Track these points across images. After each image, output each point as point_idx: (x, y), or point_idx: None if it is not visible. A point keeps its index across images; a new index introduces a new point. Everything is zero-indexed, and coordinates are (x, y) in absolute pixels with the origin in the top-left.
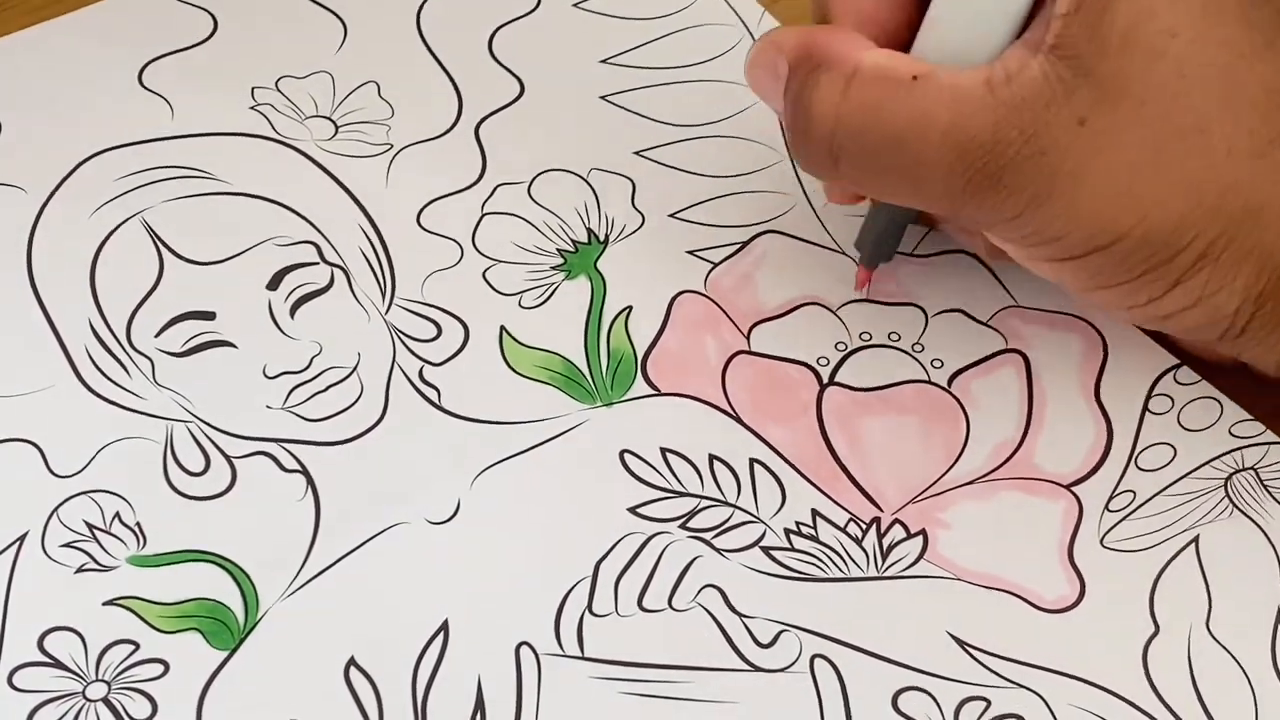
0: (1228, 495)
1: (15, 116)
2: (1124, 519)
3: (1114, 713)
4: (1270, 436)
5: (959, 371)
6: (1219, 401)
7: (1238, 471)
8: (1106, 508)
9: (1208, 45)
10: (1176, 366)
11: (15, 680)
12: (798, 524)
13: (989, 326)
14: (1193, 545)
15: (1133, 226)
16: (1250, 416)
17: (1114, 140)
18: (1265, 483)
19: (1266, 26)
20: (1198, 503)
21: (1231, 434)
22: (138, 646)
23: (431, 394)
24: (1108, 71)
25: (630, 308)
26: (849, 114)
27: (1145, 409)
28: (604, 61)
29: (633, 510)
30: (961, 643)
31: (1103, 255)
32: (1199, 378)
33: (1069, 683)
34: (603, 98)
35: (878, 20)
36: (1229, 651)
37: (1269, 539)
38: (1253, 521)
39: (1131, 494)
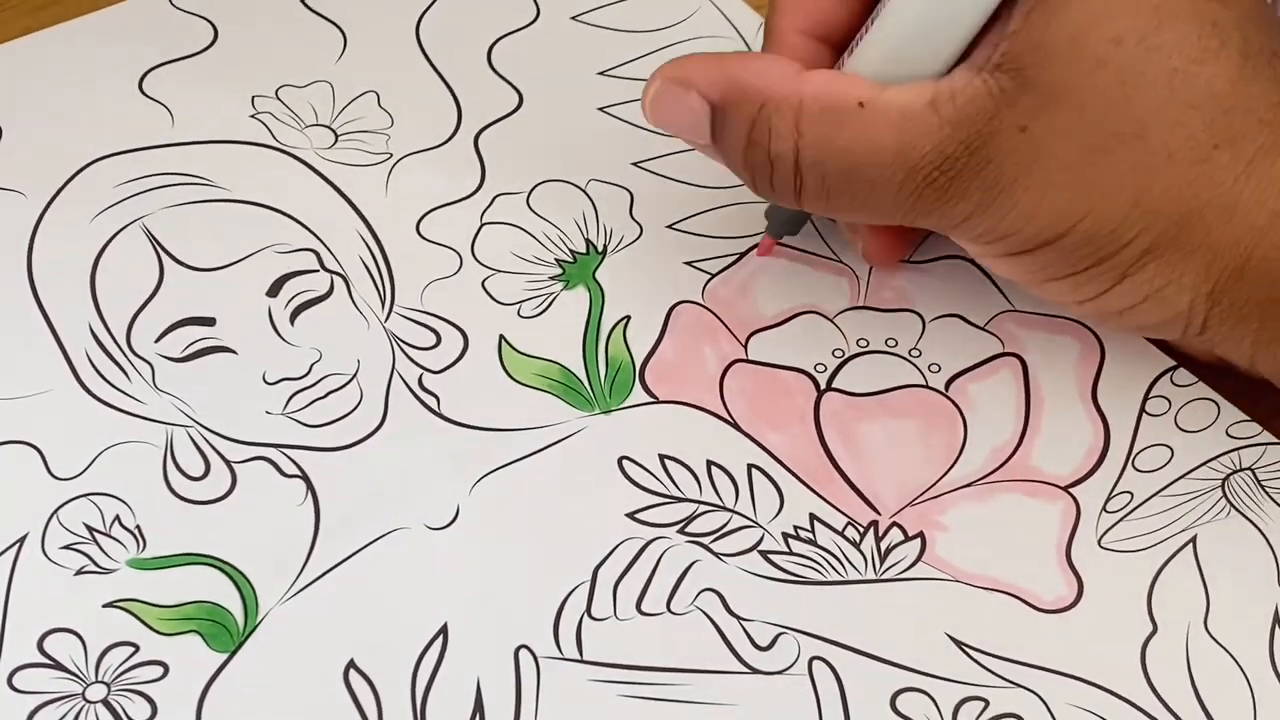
0: (1225, 496)
1: (16, 122)
2: (1121, 520)
3: (1113, 712)
4: (1267, 437)
5: (956, 376)
6: (1216, 403)
7: (1235, 472)
8: (1104, 509)
9: (1153, 51)
10: (1173, 368)
11: (15, 681)
12: (795, 528)
13: (986, 331)
14: (1190, 546)
15: (1076, 223)
16: (1247, 417)
17: (1054, 144)
18: (1263, 483)
19: (1226, 27)
20: (1195, 503)
21: (1229, 435)
22: (137, 648)
23: (431, 401)
24: (1049, 81)
25: (628, 317)
26: (805, 150)
27: (1142, 410)
28: (602, 73)
29: (631, 515)
30: (960, 643)
31: (1050, 249)
32: (1196, 379)
33: (1067, 682)
34: (601, 109)
35: (822, 16)
36: (1227, 651)
37: (1267, 540)
38: (1250, 522)
39: (1129, 495)
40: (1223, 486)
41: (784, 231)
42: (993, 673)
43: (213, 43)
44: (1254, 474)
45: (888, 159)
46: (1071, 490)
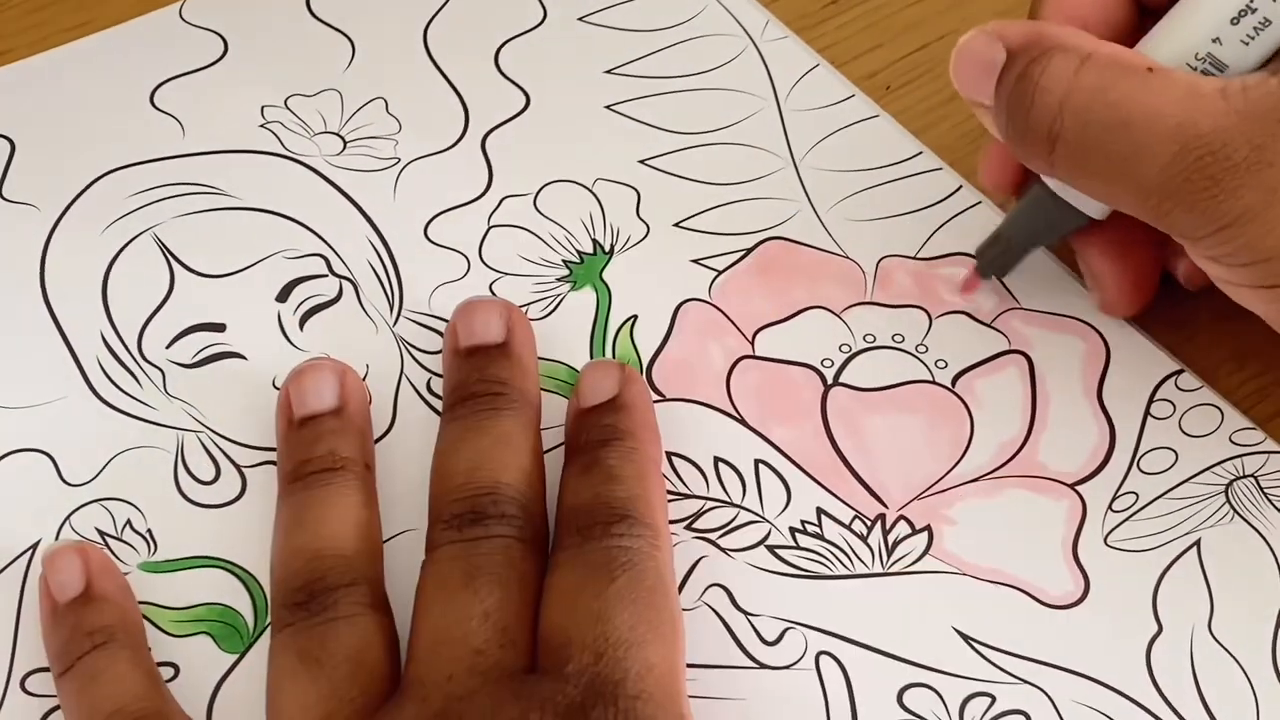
0: (1229, 501)
1: (29, 137)
2: (1127, 519)
3: (1118, 710)
4: (1271, 445)
5: (963, 372)
6: (1220, 409)
7: (1238, 479)
8: (1110, 508)
9: None
10: (1178, 372)
11: (28, 685)
12: (803, 522)
13: (992, 328)
14: (1194, 549)
15: None
16: (1251, 424)
17: None
18: (1265, 490)
19: None
20: (1199, 507)
21: (1232, 441)
22: (149, 650)
23: (439, 405)
24: None
25: (635, 317)
26: (1078, 92)
27: (1147, 413)
28: (609, 72)
29: None
30: (967, 638)
31: None
32: (1201, 383)
33: (1073, 679)
34: (608, 107)
35: (1099, 22)
36: (1231, 654)
37: (1270, 546)
38: (1254, 529)
39: (1134, 495)
40: (1226, 492)
41: (992, 270)
42: (999, 668)
43: (222, 55)
44: (1257, 481)
45: (1165, 127)
46: (1078, 488)
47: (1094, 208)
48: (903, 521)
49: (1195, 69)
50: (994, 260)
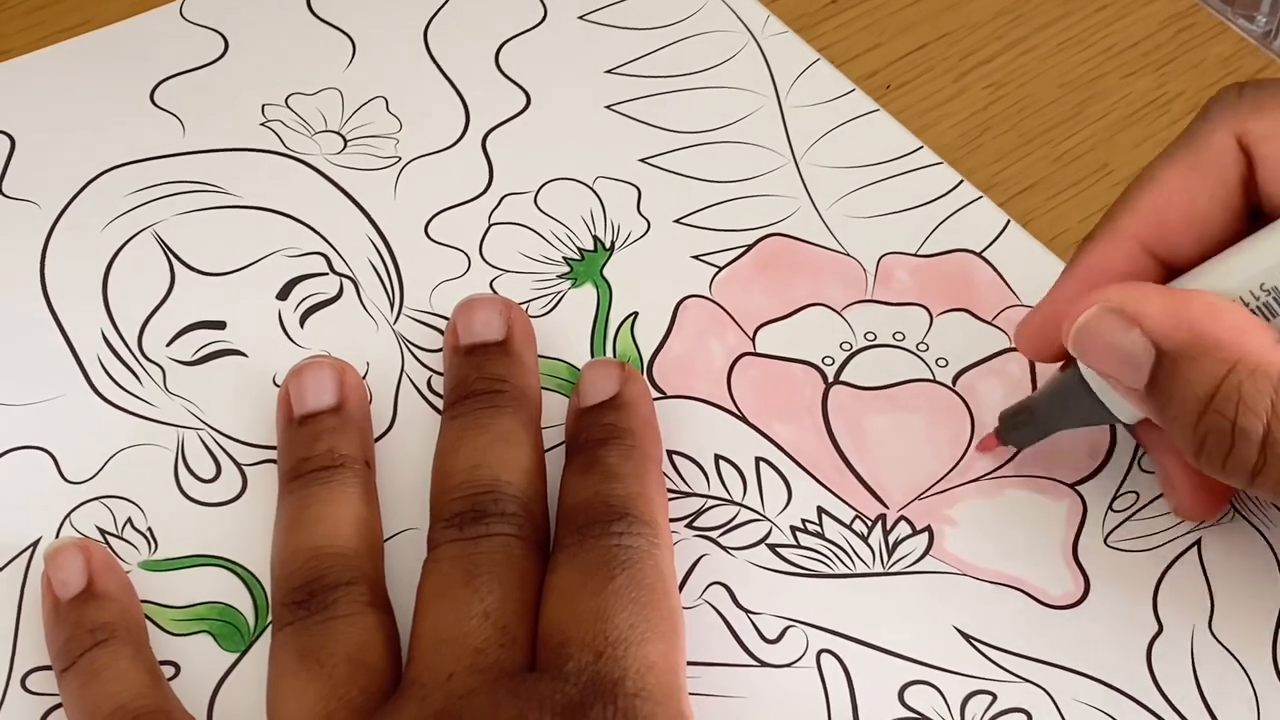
0: (1230, 501)
1: (29, 133)
2: (1127, 519)
3: (1119, 709)
4: None
5: (964, 370)
6: None
7: None
8: (1110, 507)
9: None
10: None
11: (28, 683)
12: (804, 521)
13: (993, 325)
14: (1195, 548)
15: None
16: None
17: None
18: None
19: None
20: None
21: None
22: (150, 647)
23: (440, 403)
24: None
25: (636, 314)
26: None
27: None
28: (610, 71)
29: None
30: (968, 637)
31: None
32: None
33: (1074, 678)
34: (608, 107)
35: (1176, 237)
36: (1231, 654)
37: (1270, 546)
38: (1254, 528)
39: (1135, 495)
40: None
41: (1013, 441)
42: (1000, 667)
43: (223, 54)
44: None
45: None
46: (1078, 488)
47: (1128, 413)
48: (903, 522)
49: None
50: (1018, 430)
